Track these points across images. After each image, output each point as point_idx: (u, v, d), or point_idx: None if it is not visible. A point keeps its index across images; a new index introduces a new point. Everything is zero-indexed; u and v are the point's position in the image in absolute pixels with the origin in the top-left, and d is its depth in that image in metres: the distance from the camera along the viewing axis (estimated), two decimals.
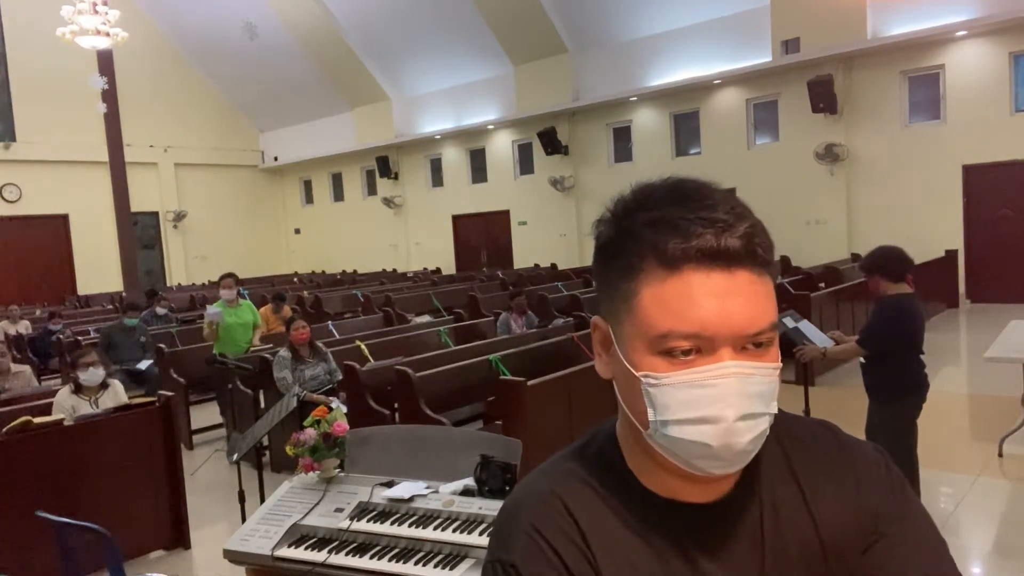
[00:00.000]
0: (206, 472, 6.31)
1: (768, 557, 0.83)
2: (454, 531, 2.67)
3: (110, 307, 14.55)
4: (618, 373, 0.82)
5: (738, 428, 0.74)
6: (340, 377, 6.08)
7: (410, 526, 2.74)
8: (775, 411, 0.78)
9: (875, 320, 4.12)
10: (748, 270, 0.75)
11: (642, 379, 0.77)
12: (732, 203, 0.77)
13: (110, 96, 14.90)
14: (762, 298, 0.75)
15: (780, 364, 0.78)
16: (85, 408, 4.95)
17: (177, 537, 4.83)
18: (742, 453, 0.76)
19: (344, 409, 5.75)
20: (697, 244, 0.73)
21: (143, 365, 7.98)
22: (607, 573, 0.81)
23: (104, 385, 5.14)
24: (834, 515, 0.86)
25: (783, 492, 0.86)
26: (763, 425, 0.76)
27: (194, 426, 7.39)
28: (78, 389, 5.06)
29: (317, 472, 3.14)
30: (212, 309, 7.31)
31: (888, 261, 4.08)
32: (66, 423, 4.59)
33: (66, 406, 4.95)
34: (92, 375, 5.05)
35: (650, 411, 0.77)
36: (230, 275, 7.79)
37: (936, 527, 0.88)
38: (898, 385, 4.06)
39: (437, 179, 19.99)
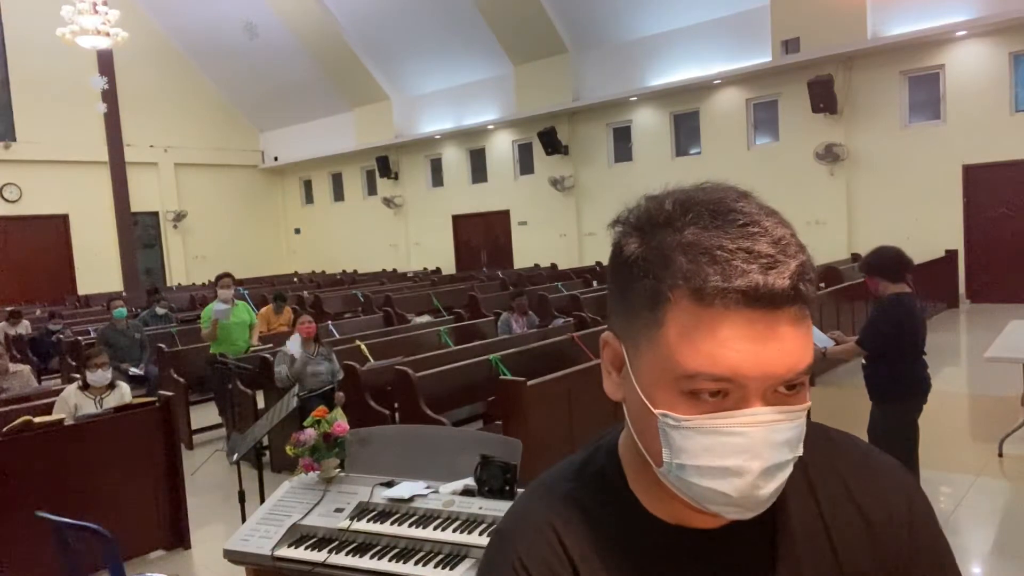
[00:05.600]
0: (206, 472, 6.31)
1: None
2: (454, 531, 2.67)
3: None
4: (630, 400, 0.74)
5: (762, 480, 0.68)
6: (342, 377, 6.09)
7: (410, 526, 2.74)
8: (800, 452, 0.71)
9: (874, 320, 4.12)
10: (791, 313, 0.67)
11: (660, 417, 0.69)
12: (779, 232, 0.68)
13: (110, 96, 14.92)
14: (801, 341, 0.67)
15: (809, 403, 0.71)
16: (89, 406, 4.97)
17: (177, 537, 4.83)
18: (763, 502, 0.70)
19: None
20: (739, 285, 0.65)
21: (139, 370, 7.95)
22: None
23: (112, 386, 5.18)
24: (854, 538, 0.79)
25: (798, 509, 0.79)
26: (787, 471, 0.70)
27: (194, 426, 7.38)
28: (85, 386, 5.09)
29: (317, 472, 3.14)
30: (219, 306, 7.18)
31: (887, 261, 4.09)
32: (66, 423, 4.60)
33: (71, 402, 4.98)
34: (100, 376, 5.09)
35: (666, 451, 0.70)
36: (227, 275, 7.74)
37: (955, 561, 0.84)
38: (899, 385, 4.06)
39: (437, 179, 19.99)
